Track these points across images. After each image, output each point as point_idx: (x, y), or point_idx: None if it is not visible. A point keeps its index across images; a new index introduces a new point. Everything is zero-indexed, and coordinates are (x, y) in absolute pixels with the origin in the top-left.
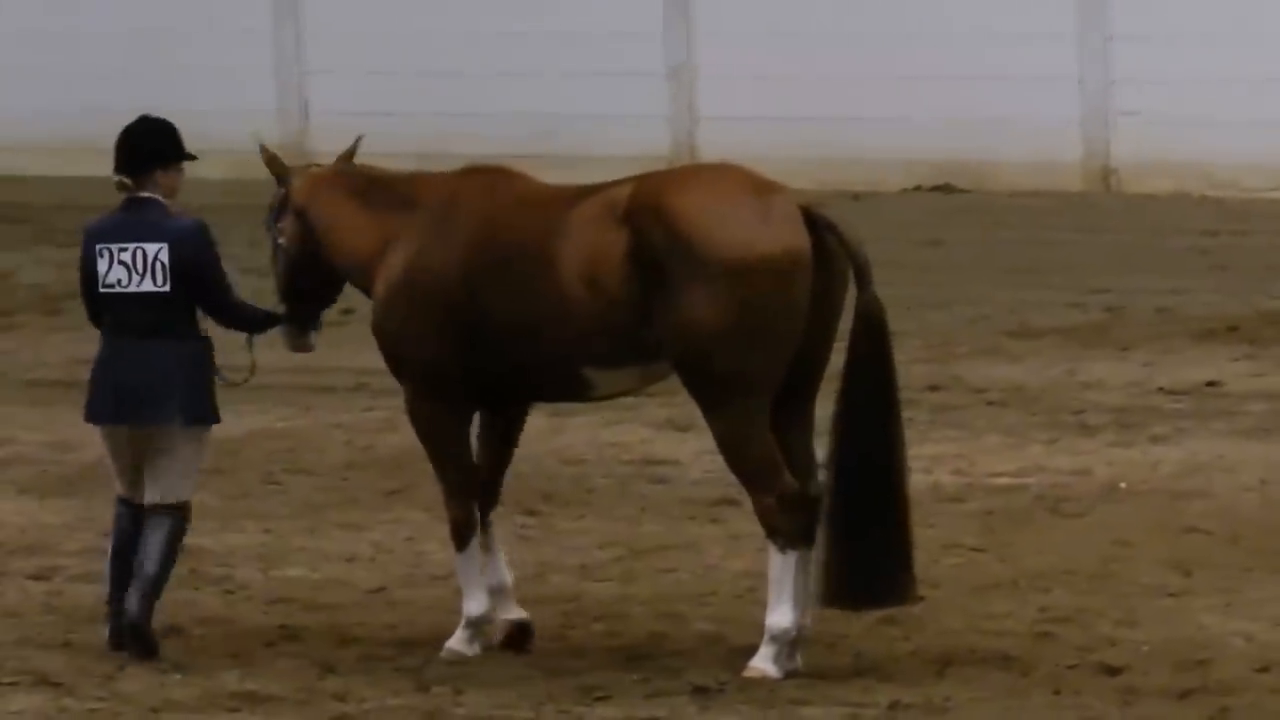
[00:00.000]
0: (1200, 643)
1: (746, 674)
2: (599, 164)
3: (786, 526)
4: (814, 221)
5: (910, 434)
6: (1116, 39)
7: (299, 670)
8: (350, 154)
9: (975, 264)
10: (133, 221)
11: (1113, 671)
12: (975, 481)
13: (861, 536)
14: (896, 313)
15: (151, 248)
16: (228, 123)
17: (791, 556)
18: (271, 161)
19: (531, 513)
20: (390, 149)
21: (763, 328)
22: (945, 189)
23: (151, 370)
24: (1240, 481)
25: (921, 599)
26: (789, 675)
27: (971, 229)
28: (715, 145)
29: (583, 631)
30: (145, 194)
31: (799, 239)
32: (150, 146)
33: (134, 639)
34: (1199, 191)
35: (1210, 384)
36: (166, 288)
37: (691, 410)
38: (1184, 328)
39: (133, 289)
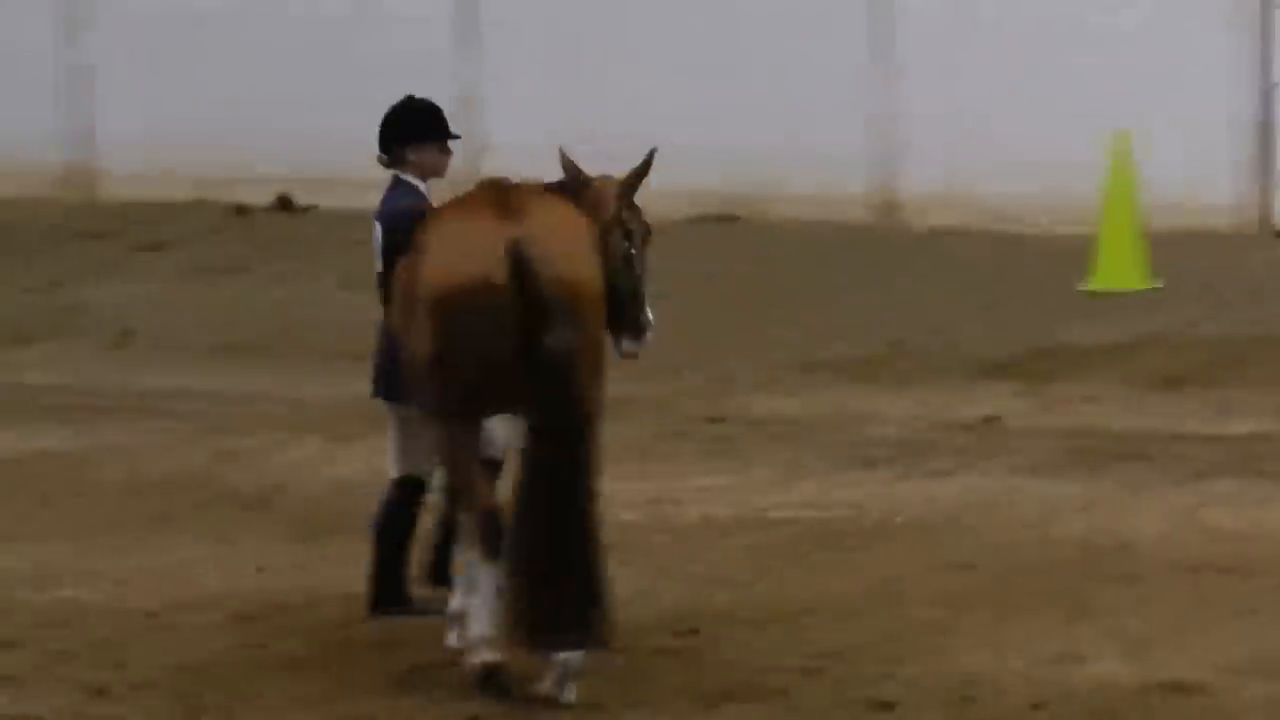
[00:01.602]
0: (971, 679)
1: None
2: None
3: (480, 543)
4: (517, 256)
5: (686, 466)
6: (904, 73)
7: (69, 692)
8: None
9: (757, 296)
10: (383, 200)
11: (883, 707)
12: (749, 515)
13: (544, 575)
14: (677, 344)
15: (377, 228)
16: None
17: (484, 570)
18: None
19: (306, 538)
20: (178, 173)
21: (452, 356)
22: (729, 219)
23: (381, 350)
24: (1015, 518)
25: (609, 646)
26: (562, 706)
27: (754, 260)
28: (503, 172)
29: (355, 659)
30: (397, 173)
31: (489, 272)
32: (403, 123)
33: None
34: (982, 226)
35: (988, 419)
36: (379, 267)
37: None
38: (964, 363)
39: (376, 267)
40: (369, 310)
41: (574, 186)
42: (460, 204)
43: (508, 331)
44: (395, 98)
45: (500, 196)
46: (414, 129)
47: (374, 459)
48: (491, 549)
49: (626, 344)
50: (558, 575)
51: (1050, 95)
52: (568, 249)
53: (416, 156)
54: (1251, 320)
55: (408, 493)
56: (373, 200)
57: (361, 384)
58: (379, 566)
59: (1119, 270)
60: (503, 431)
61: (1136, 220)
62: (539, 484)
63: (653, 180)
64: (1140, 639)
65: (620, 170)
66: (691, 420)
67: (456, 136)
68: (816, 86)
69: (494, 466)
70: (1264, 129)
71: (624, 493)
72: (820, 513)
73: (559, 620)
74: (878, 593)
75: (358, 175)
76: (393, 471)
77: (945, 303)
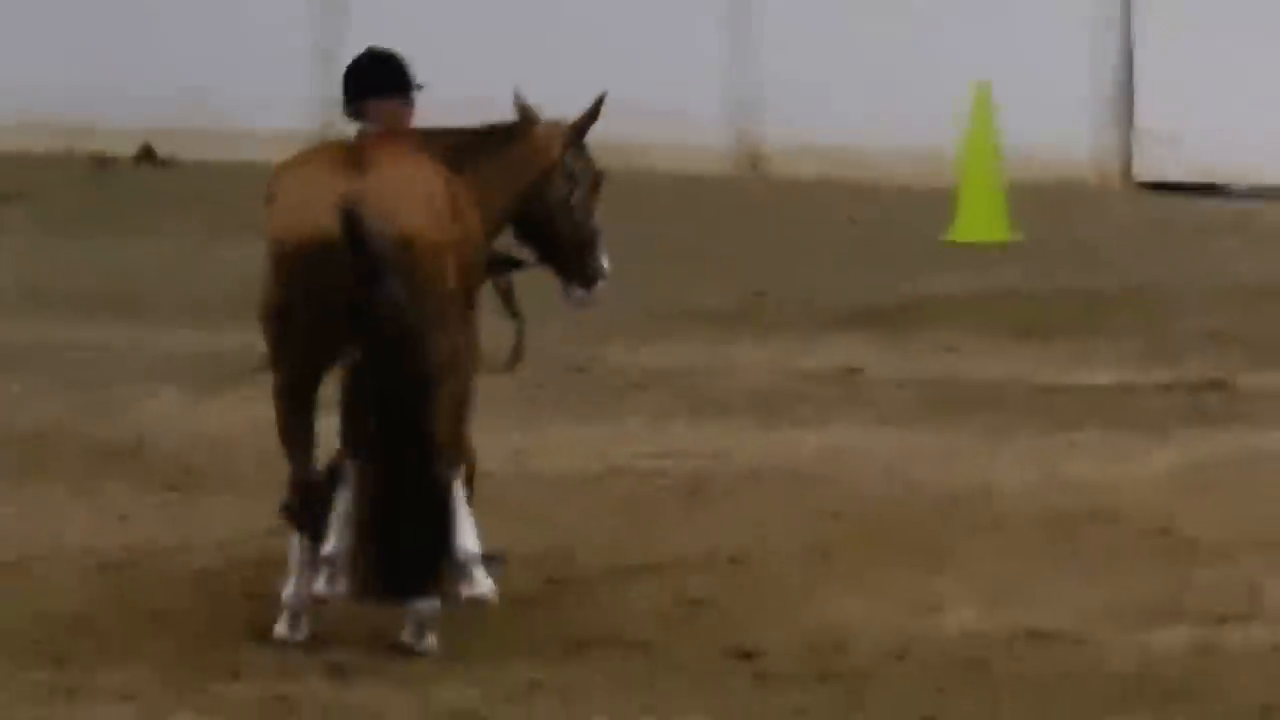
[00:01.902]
0: (836, 627)
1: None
2: (248, 141)
3: (292, 515)
4: (349, 210)
5: (550, 417)
6: (768, 25)
7: None
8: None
9: (621, 247)
10: None
11: (748, 656)
12: (615, 465)
13: (386, 528)
14: (541, 294)
15: None
16: None
17: (294, 541)
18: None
19: (173, 488)
20: (34, 120)
21: (288, 311)
22: None
23: None
24: (878, 467)
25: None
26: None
27: (617, 213)
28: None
29: (222, 609)
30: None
31: (325, 226)
32: (364, 75)
33: None
34: (843, 177)
35: (850, 369)
36: None
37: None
38: (826, 314)
39: None
40: (239, 264)
41: (512, 128)
42: (309, 156)
43: (342, 287)
44: (254, 52)
45: (349, 150)
46: (374, 81)
47: (244, 410)
48: (302, 522)
49: (576, 293)
50: (400, 527)
51: (911, 46)
52: (405, 203)
53: (379, 109)
54: (1112, 271)
55: None
56: (242, 153)
57: (230, 336)
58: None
59: (979, 222)
60: None
61: (997, 172)
62: (379, 438)
63: None
64: (1004, 587)
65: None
66: (555, 370)
67: (419, 87)
68: (678, 39)
69: None
70: (1125, 81)
71: (489, 444)
72: (685, 462)
73: (403, 570)
74: (743, 542)
75: (224, 128)
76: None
77: (807, 254)
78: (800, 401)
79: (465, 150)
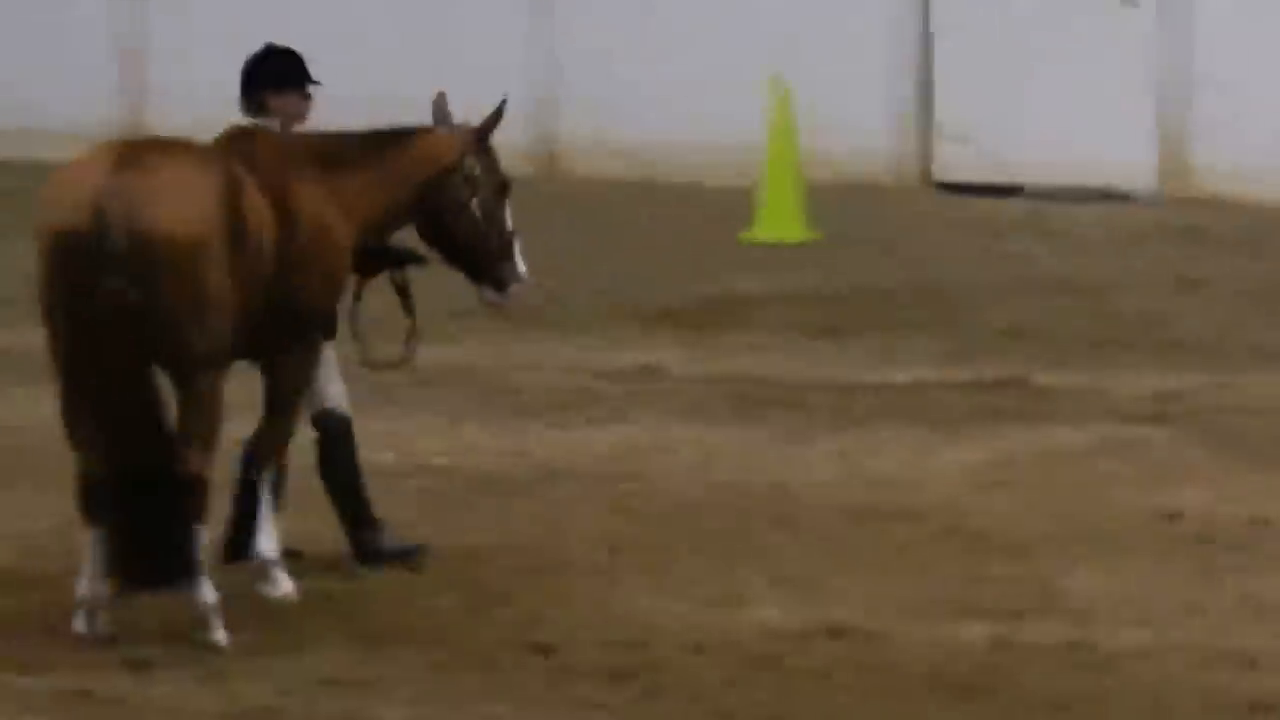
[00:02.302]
0: (633, 622)
1: None
2: (43, 137)
3: (78, 508)
4: (97, 206)
5: (351, 413)
6: (564, 23)
7: None
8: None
9: (417, 245)
10: None
11: (544, 650)
12: (412, 461)
13: (139, 520)
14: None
15: None
16: None
17: (86, 534)
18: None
19: None
20: None
21: (48, 305)
22: None
23: None
24: (674, 463)
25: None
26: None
27: None
28: (165, 119)
29: (18, 603)
30: (256, 121)
31: (76, 220)
32: (263, 70)
33: None
34: (643, 177)
35: (649, 367)
36: None
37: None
38: (626, 312)
39: None
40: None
41: (405, 132)
42: (85, 153)
43: (88, 281)
44: (55, 48)
45: (124, 148)
46: (274, 75)
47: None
48: (88, 514)
49: (488, 295)
50: (153, 520)
51: (710, 44)
52: (156, 199)
53: (277, 103)
54: (911, 270)
55: (329, 430)
56: (40, 150)
57: (25, 332)
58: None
59: (780, 220)
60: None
61: (797, 171)
62: (120, 437)
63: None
64: (802, 583)
65: None
66: (350, 367)
67: (317, 83)
68: (477, 37)
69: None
70: (924, 80)
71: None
72: (483, 459)
73: (148, 559)
74: (541, 537)
75: (23, 125)
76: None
77: (607, 253)
78: (600, 400)
79: (346, 151)
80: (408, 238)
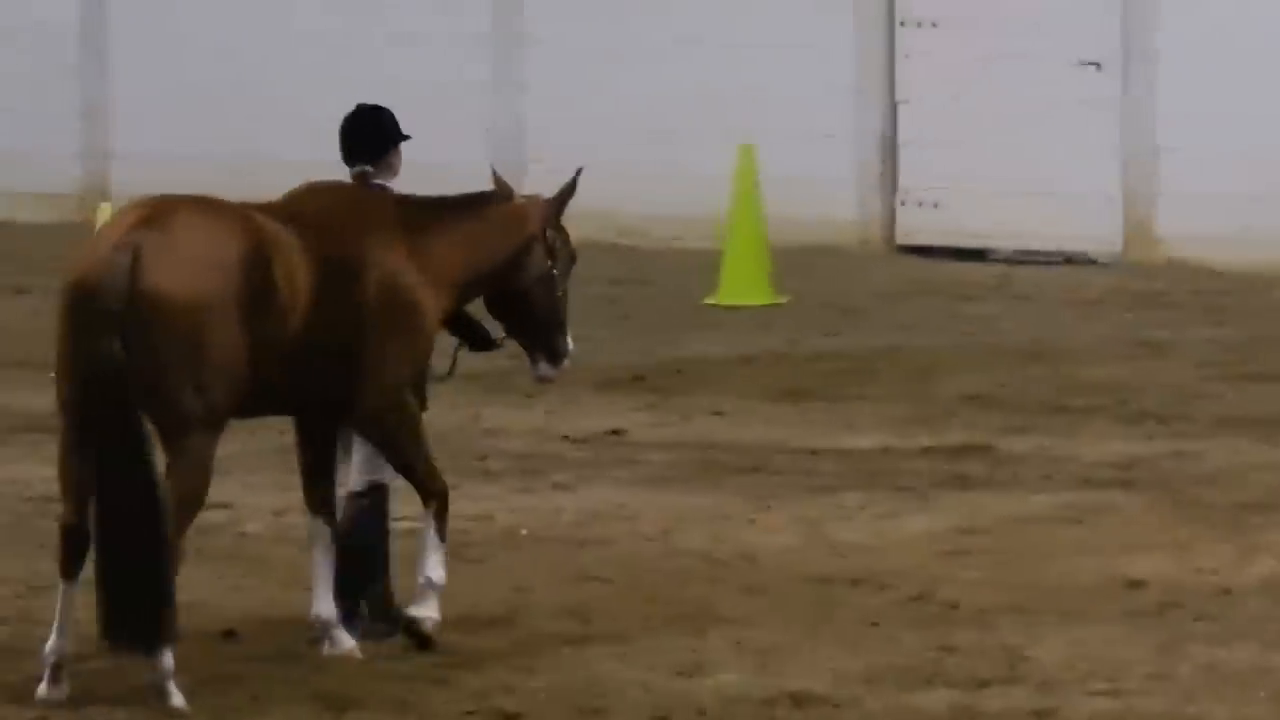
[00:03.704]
0: (597, 690)
1: None
2: (6, 199)
3: (59, 559)
4: (113, 262)
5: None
6: (530, 85)
7: None
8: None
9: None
10: None
11: (509, 717)
12: None
13: (114, 582)
14: None
15: None
16: None
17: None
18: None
19: None
20: None
21: (58, 353)
22: None
23: None
24: (640, 530)
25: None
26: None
27: None
28: (128, 183)
29: None
30: (369, 178)
31: (90, 274)
32: (387, 128)
33: None
34: (608, 240)
35: (613, 432)
36: None
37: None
38: (588, 376)
39: None
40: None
41: (486, 198)
42: (128, 206)
43: (84, 335)
44: (22, 109)
45: (155, 205)
46: (395, 132)
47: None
48: (63, 567)
49: (542, 368)
50: (125, 583)
51: (676, 108)
52: (161, 262)
53: (394, 159)
54: (876, 335)
55: (374, 500)
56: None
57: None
58: (352, 582)
59: (744, 285)
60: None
61: (761, 235)
62: (103, 494)
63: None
64: (766, 650)
65: (227, 185)
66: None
67: (408, 137)
68: (442, 102)
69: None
70: (889, 146)
71: (250, 505)
72: (449, 524)
73: (127, 623)
74: (505, 603)
75: None
76: (354, 483)
77: (572, 315)
78: (563, 464)
79: (430, 213)
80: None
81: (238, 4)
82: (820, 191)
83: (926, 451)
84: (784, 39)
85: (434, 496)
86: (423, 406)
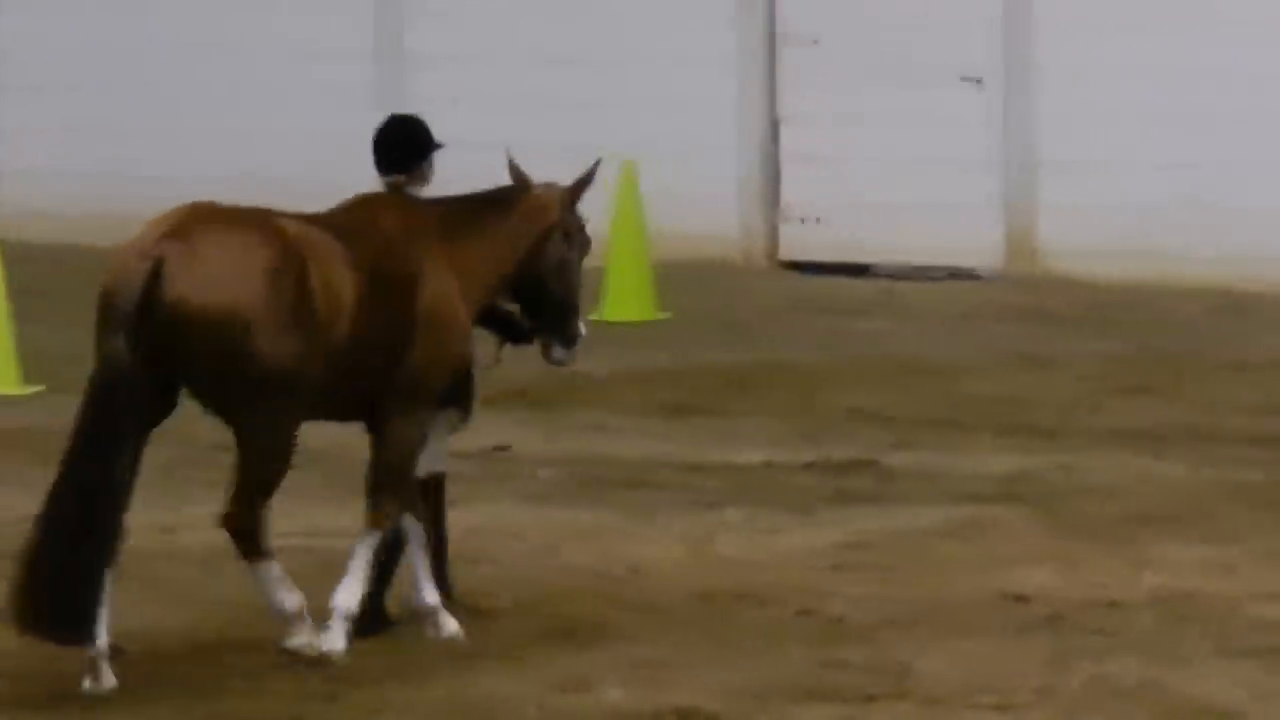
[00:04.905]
0: (484, 706)
1: None
2: None
3: None
4: (138, 272)
5: (200, 494)
6: (415, 102)
7: None
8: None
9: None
10: None
11: None
12: None
13: (56, 567)
14: None
15: None
16: None
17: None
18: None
19: None
20: None
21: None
22: None
23: None
24: (526, 546)
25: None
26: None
27: None
28: (15, 200)
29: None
30: (402, 187)
31: (120, 284)
32: (424, 137)
33: None
34: None
35: (498, 448)
36: None
37: None
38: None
39: None
40: None
41: (510, 192)
42: (166, 213)
43: (106, 338)
44: None
45: (190, 212)
46: (428, 141)
47: None
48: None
49: (557, 352)
50: (62, 568)
51: (558, 122)
52: (182, 271)
53: (427, 169)
54: (759, 350)
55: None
56: None
57: None
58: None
59: (627, 300)
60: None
61: (644, 251)
62: (70, 477)
63: (147, 205)
64: (651, 665)
65: (114, 199)
66: (202, 449)
67: (442, 145)
68: (322, 131)
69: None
70: (771, 162)
71: (136, 521)
72: (333, 541)
73: (59, 611)
74: (394, 619)
75: None
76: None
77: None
78: (449, 480)
79: (465, 216)
80: None
81: (125, 19)
82: (703, 208)
83: (811, 466)
84: (666, 55)
85: (381, 521)
86: (469, 408)
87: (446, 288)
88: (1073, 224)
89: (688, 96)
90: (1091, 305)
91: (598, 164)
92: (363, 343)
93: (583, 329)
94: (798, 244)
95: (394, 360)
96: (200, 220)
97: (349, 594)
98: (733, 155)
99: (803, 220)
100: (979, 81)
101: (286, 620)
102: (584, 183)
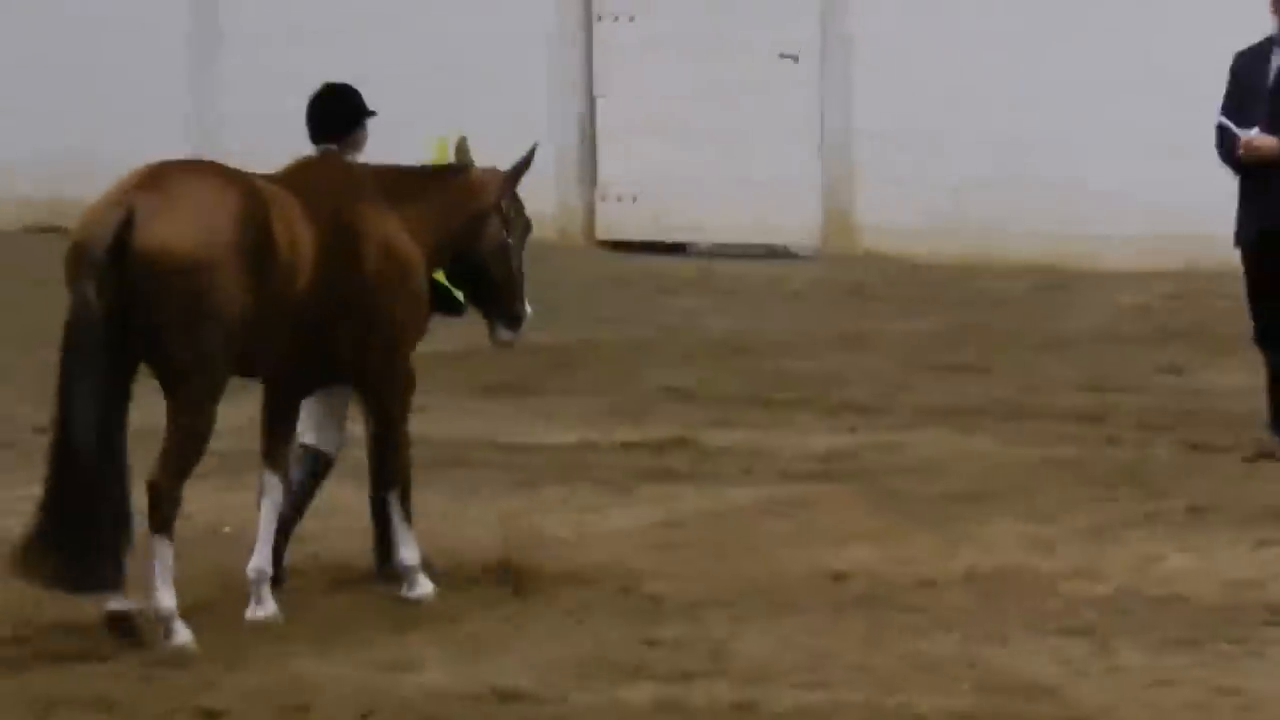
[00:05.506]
0: (303, 686)
1: None
2: None
3: None
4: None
5: (23, 475)
6: (225, 81)
7: None
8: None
9: None
10: None
11: (213, 715)
12: None
13: (68, 520)
14: (16, 355)
15: None
16: None
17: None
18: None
19: None
20: None
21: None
22: (57, 230)
23: None
24: (343, 526)
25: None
26: None
27: None
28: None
29: None
30: (335, 152)
31: (77, 231)
32: (356, 103)
33: None
34: None
35: None
36: None
37: None
38: None
39: None
40: None
41: (449, 169)
42: (129, 174)
43: (75, 286)
44: None
45: (159, 168)
46: (361, 109)
47: None
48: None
49: (501, 333)
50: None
51: (372, 96)
52: (153, 218)
53: (360, 136)
54: (576, 329)
55: (313, 468)
56: None
57: None
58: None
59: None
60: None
61: None
62: (67, 430)
63: None
64: (471, 646)
65: None
66: (20, 430)
67: (374, 113)
68: (138, 107)
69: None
70: (588, 140)
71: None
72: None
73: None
74: (209, 601)
75: None
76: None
77: None
78: (257, 463)
79: (408, 182)
80: None
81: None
82: (521, 185)
83: (628, 445)
84: (483, 30)
85: (395, 480)
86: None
87: (402, 244)
88: (892, 201)
89: (504, 73)
90: (909, 283)
91: (534, 149)
92: (323, 293)
93: (528, 309)
94: (614, 222)
95: (355, 315)
96: (169, 174)
97: (408, 550)
98: (549, 133)
99: (619, 199)
100: (796, 59)
101: (159, 617)
102: (522, 167)
